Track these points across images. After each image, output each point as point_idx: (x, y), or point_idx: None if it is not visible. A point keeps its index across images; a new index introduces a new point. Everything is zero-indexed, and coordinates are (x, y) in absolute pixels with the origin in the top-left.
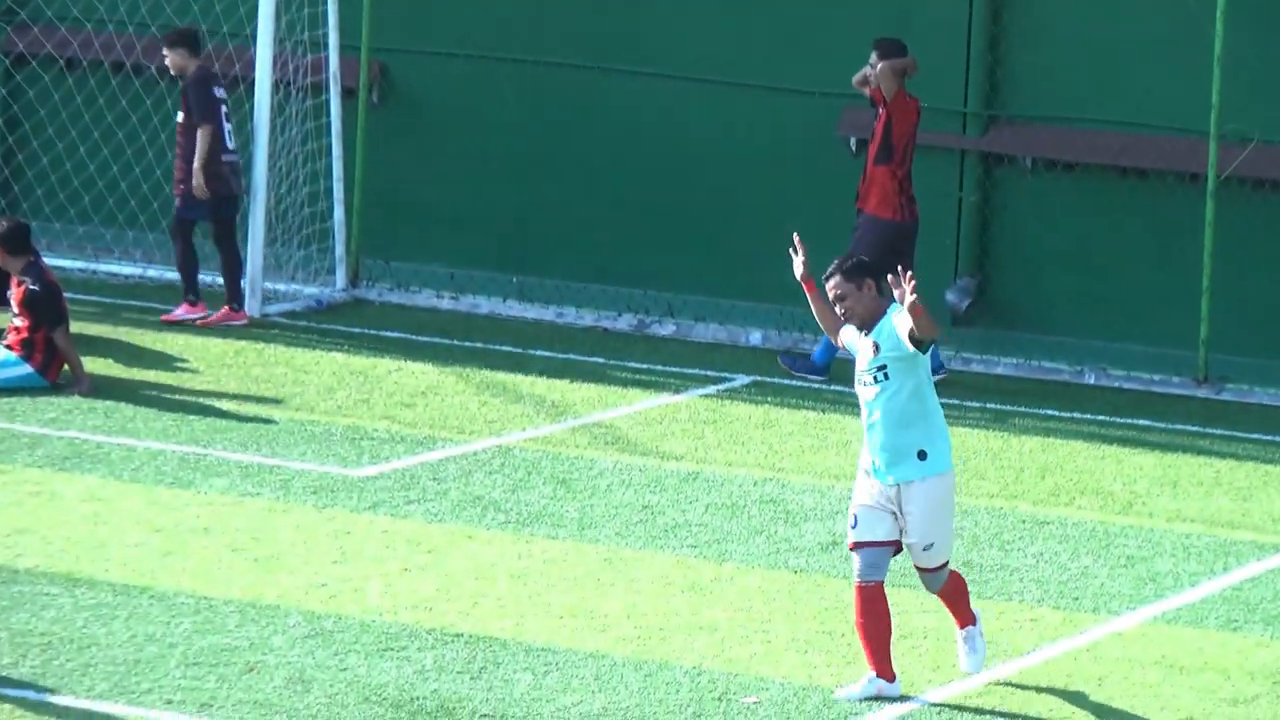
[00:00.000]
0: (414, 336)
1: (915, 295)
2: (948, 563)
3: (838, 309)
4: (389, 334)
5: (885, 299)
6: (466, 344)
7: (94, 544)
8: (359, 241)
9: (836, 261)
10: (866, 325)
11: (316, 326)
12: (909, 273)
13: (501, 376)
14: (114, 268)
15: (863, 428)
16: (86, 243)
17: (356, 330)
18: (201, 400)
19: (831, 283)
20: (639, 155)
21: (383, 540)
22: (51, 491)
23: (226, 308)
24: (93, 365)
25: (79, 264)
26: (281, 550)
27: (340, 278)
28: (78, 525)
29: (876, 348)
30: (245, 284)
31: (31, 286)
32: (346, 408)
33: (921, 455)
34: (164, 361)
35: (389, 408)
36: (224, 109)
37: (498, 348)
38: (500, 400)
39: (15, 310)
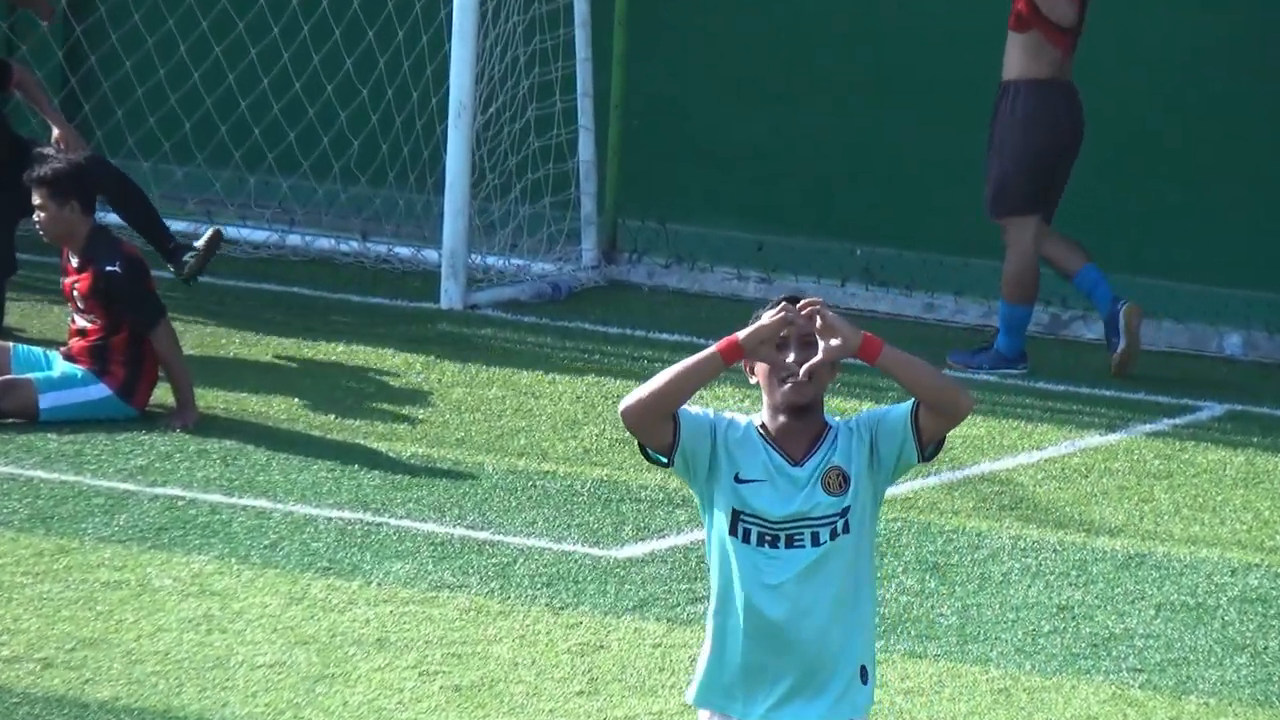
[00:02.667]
0: (702, 340)
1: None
2: None
3: (790, 355)
4: (664, 336)
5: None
6: None
7: (205, 663)
8: (618, 193)
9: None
10: (803, 426)
11: (551, 324)
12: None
13: (837, 403)
14: (232, 231)
15: (729, 610)
16: (187, 193)
17: (614, 330)
18: (373, 441)
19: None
20: None
21: (655, 659)
22: (140, 581)
23: None
24: (203, 387)
25: (179, 225)
26: (496, 674)
27: (589, 249)
28: (180, 634)
29: (842, 477)
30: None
31: (108, 267)
32: (597, 452)
33: (864, 675)
34: (314, 379)
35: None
36: None
37: None
38: None
39: (80, 305)
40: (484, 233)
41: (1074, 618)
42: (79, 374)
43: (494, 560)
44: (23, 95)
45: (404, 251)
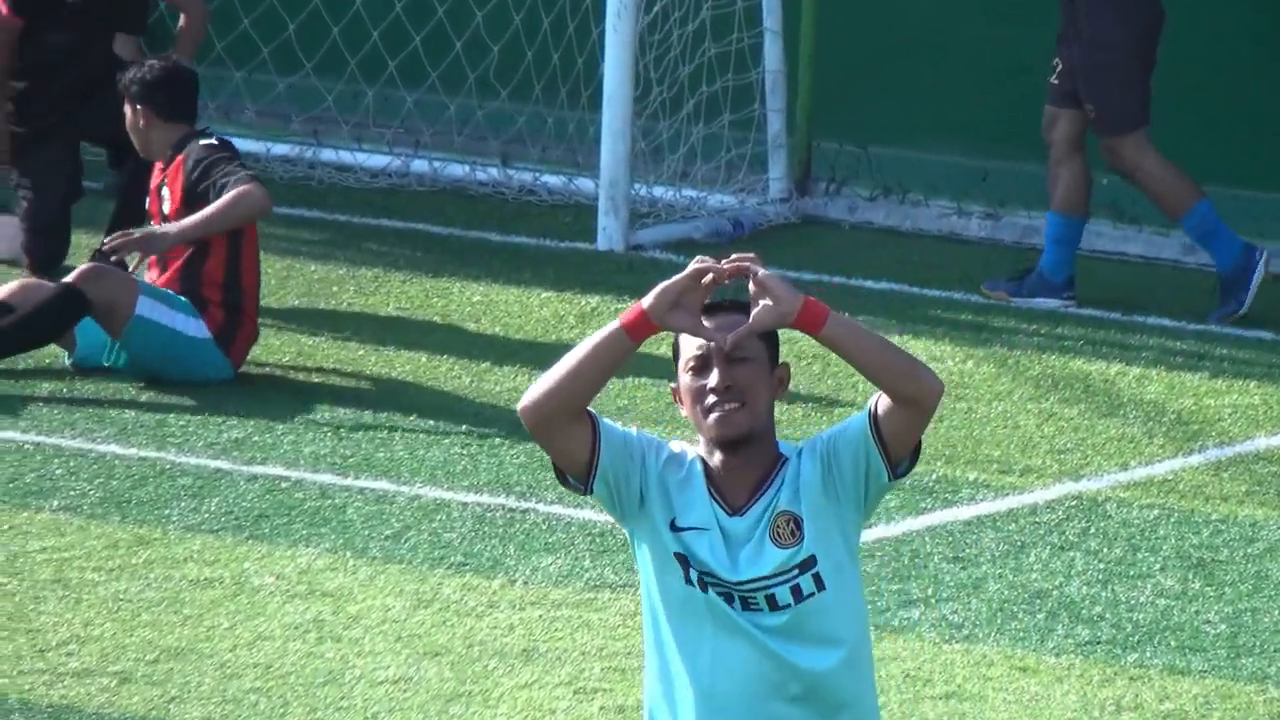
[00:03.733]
0: (918, 290)
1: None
2: None
3: (714, 393)
4: (867, 284)
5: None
6: (1016, 305)
7: (315, 679)
8: (812, 110)
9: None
10: (744, 464)
11: None
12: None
13: (1079, 365)
14: (346, 156)
15: (668, 688)
16: (292, 109)
17: (807, 276)
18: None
19: (730, 331)
20: None
21: None
22: (235, 580)
23: None
24: (311, 339)
25: (281, 149)
26: None
27: (777, 178)
28: (284, 643)
29: (793, 523)
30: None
31: (203, 141)
32: (789, 423)
33: None
34: (445, 334)
35: None
36: None
37: (1076, 312)
38: (1079, 411)
39: (166, 211)
40: (650, 158)
41: None
42: (180, 299)
43: None
44: (182, 21)
45: (553, 181)
